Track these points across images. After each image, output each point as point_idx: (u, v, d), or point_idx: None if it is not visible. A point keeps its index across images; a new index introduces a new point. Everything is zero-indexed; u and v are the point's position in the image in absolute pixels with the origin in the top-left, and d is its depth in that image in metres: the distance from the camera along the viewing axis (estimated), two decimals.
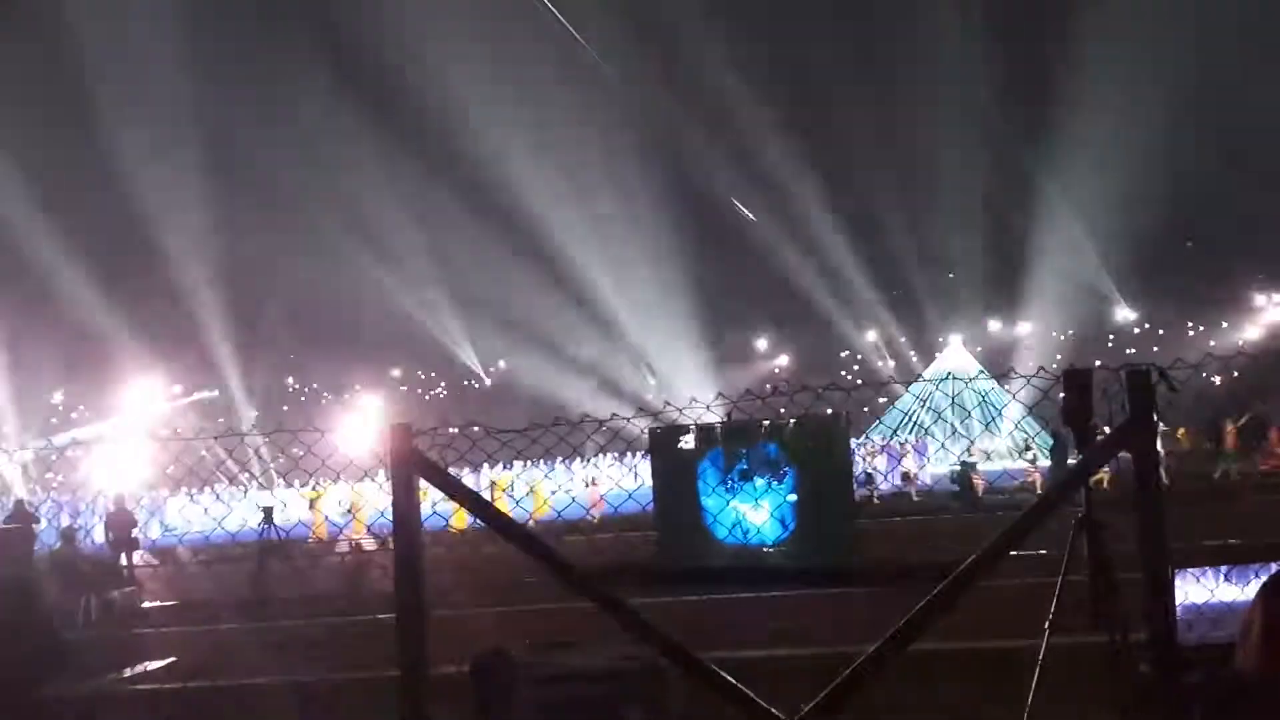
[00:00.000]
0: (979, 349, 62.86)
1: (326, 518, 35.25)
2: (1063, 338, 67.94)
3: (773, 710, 3.13)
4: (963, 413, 54.31)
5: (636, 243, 59.68)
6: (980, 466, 31.26)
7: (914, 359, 68.36)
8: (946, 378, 48.41)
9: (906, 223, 62.77)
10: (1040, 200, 60.18)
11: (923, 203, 62.91)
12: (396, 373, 70.37)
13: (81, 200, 53.85)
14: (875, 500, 30.26)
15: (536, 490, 36.78)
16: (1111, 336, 68.68)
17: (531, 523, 31.00)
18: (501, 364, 71.23)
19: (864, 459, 36.68)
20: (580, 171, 58.57)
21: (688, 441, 18.14)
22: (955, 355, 60.15)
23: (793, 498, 16.98)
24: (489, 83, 56.08)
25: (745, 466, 17.33)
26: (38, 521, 24.16)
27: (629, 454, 48.22)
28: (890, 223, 62.23)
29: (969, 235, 62.27)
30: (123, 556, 22.30)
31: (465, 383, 71.78)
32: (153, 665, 13.23)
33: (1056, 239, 59.26)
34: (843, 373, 67.68)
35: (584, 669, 6.28)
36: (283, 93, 55.27)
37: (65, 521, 31.48)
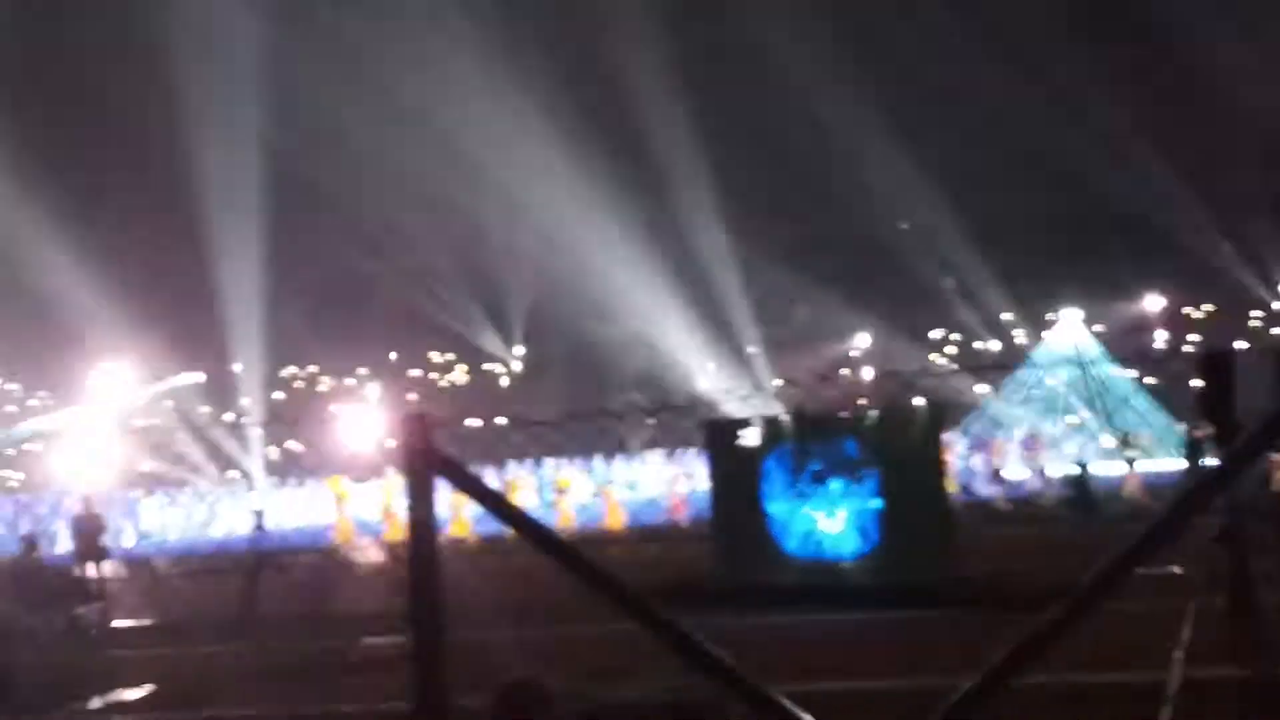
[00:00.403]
0: (1098, 326, 62.13)
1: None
2: (1196, 314, 67.03)
3: None
4: (1083, 402, 53.87)
5: (685, 200, 59.62)
6: (1093, 468, 31.08)
7: (1020, 338, 67.68)
8: (1076, 361, 47.92)
9: (1012, 174, 61.96)
10: (1175, 151, 59.23)
11: (1031, 148, 61.96)
12: (396, 356, 70.63)
13: (41, 157, 54.40)
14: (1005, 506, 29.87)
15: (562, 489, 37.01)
16: (1260, 314, 67.56)
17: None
18: (519, 350, 71.53)
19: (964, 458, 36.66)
20: (628, 126, 58.55)
21: (750, 437, 18.12)
22: (1071, 333, 59.57)
23: (876, 504, 16.90)
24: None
25: (819, 467, 17.26)
26: None
27: (680, 449, 48.32)
28: (991, 174, 61.40)
29: (1086, 189, 61.43)
30: (91, 567, 22.57)
31: (487, 367, 72.11)
32: (127, 694, 13.42)
33: (1195, 198, 58.40)
34: (933, 356, 67.29)
35: (630, 703, 6.32)
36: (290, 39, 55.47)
37: (25, 527, 31.98)
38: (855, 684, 10.22)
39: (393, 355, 69.73)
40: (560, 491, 37.51)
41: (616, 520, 33.02)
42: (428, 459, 3.76)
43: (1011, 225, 62.76)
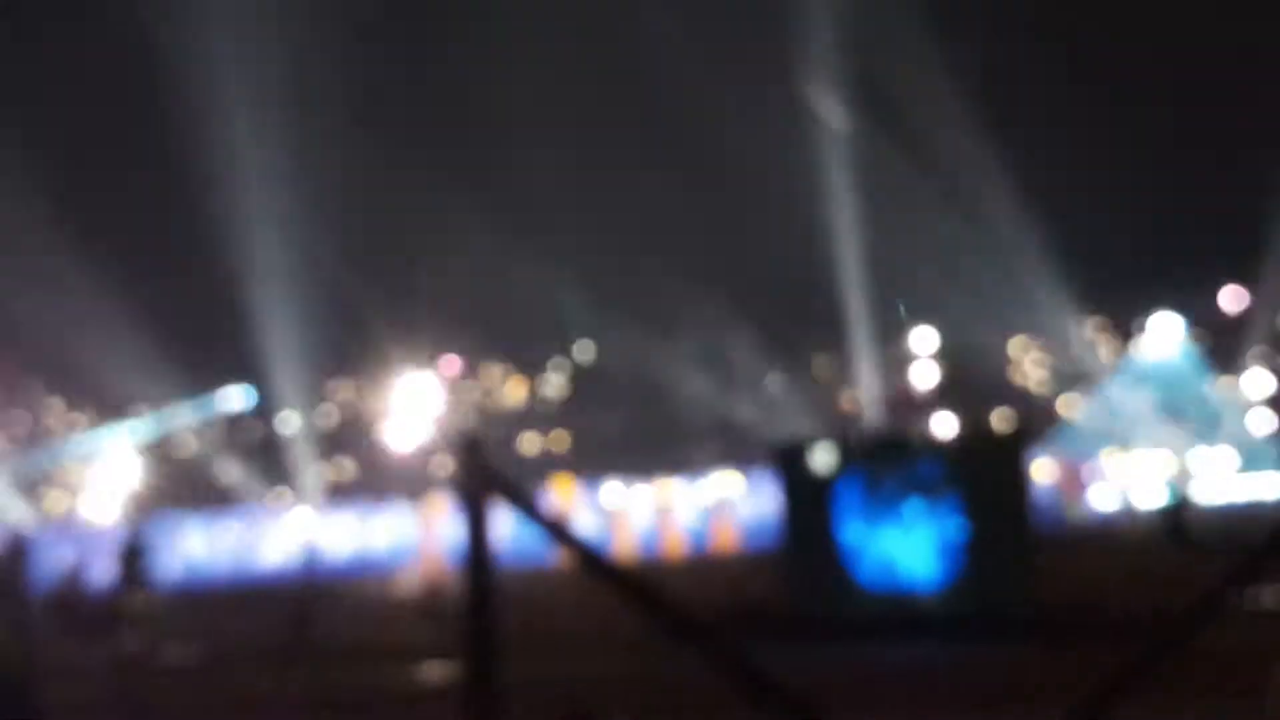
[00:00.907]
0: (1198, 331, 60.90)
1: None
2: None
3: None
4: (1176, 417, 52.95)
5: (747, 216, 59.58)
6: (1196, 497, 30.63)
7: (1106, 348, 66.74)
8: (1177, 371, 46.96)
9: (1104, 155, 60.88)
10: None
11: (1128, 129, 60.98)
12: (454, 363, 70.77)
13: (76, 164, 55.33)
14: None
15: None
16: None
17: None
18: (589, 350, 71.42)
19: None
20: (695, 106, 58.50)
21: (823, 460, 18.04)
22: (1164, 340, 58.37)
23: (956, 531, 16.75)
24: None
25: (895, 491, 17.15)
26: (26, 553, 24.77)
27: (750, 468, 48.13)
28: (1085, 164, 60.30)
29: (1182, 177, 60.31)
30: (135, 594, 22.79)
31: (541, 376, 72.13)
32: None
33: None
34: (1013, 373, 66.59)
35: None
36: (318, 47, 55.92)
37: (68, 554, 32.34)
38: None
39: (453, 367, 69.82)
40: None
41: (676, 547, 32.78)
42: (483, 482, 3.78)
43: (1099, 224, 61.87)
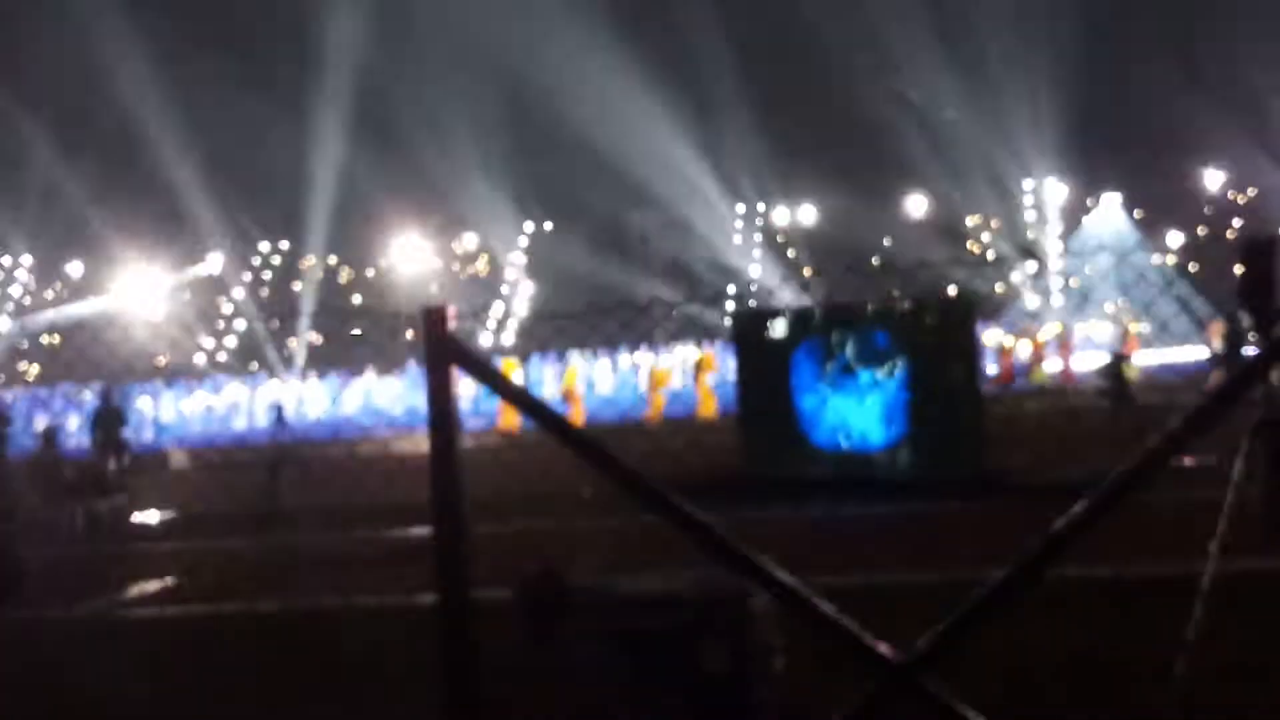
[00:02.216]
0: (1139, 211, 61.33)
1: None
2: (1243, 198, 66.12)
3: (879, 647, 3.17)
4: (1118, 291, 53.52)
5: (707, 77, 58.91)
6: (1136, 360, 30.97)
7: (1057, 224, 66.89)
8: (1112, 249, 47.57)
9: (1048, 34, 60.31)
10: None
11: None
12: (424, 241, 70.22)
13: (54, 43, 54.17)
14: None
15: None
16: None
17: None
18: (546, 226, 70.88)
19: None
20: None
21: (779, 329, 18.13)
22: (1109, 218, 58.93)
23: (905, 395, 16.89)
24: None
25: (849, 358, 17.26)
26: (9, 421, 24.82)
27: (706, 343, 48.35)
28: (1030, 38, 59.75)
29: (1127, 55, 59.85)
30: (112, 460, 22.85)
31: (502, 254, 71.76)
32: (150, 586, 13.64)
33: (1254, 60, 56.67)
34: (968, 245, 66.63)
35: (652, 595, 6.36)
36: None
37: (43, 421, 32.31)
38: (882, 577, 10.30)
39: (422, 243, 69.19)
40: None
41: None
42: (447, 352, 3.77)
43: (1051, 104, 61.57)
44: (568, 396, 34.01)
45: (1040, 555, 3.17)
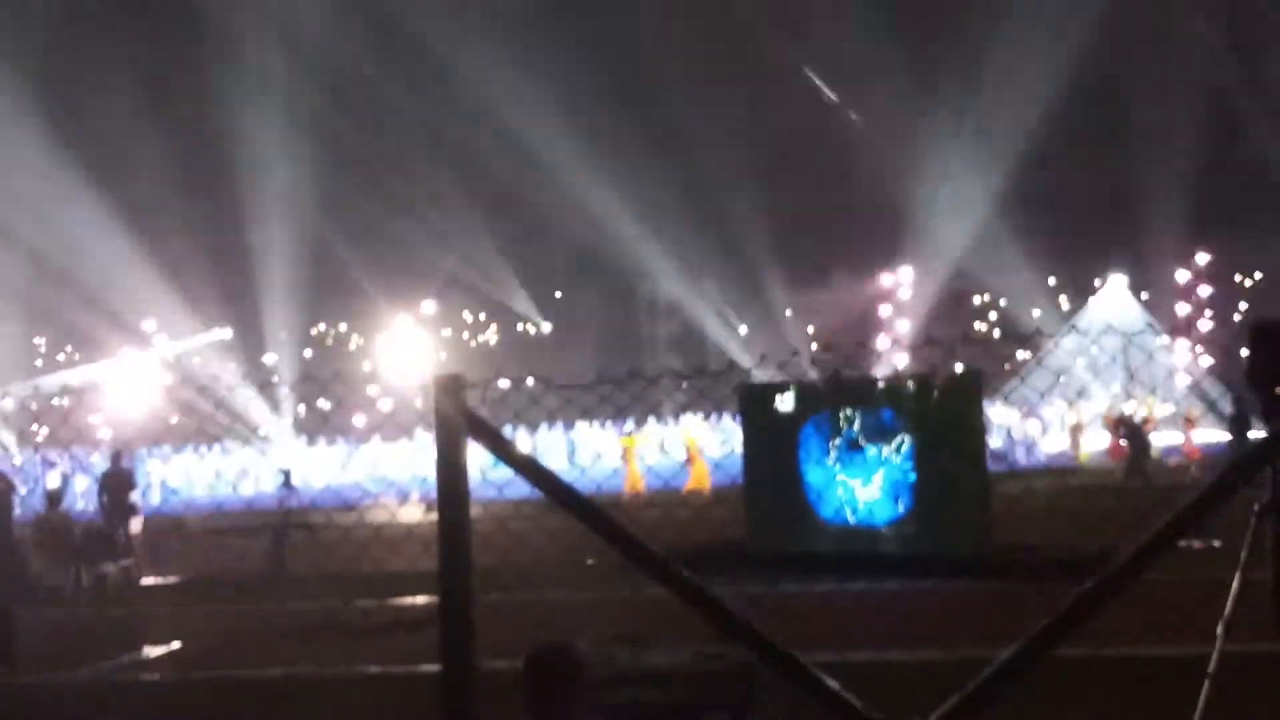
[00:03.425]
0: (1146, 293, 61.51)
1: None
2: (1249, 282, 66.23)
3: None
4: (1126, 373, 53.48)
5: (720, 158, 59.32)
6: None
7: (1064, 303, 67.05)
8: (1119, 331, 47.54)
9: (1059, 128, 60.84)
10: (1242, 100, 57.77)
11: (1077, 98, 60.75)
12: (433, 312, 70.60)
13: (74, 106, 54.65)
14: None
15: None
16: None
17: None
18: (558, 294, 71.30)
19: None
20: (656, 71, 58.30)
21: (786, 401, 18.11)
22: (1116, 300, 59.06)
23: (911, 473, 16.83)
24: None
25: (856, 434, 17.23)
26: (12, 489, 24.64)
27: (716, 415, 48.42)
28: (1037, 127, 60.26)
29: (1136, 149, 60.41)
30: (119, 523, 22.79)
31: (520, 327, 72.13)
32: (153, 651, 13.57)
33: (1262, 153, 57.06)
34: (976, 323, 66.76)
35: (659, 668, 6.33)
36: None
37: (53, 482, 32.25)
38: (888, 655, 10.23)
39: (429, 309, 69.52)
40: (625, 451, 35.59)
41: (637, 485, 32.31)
42: (457, 420, 3.78)
43: (1059, 187, 62.04)
44: (689, 457, 33.58)
45: (1046, 635, 3.15)
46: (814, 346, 62.89)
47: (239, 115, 54.58)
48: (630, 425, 42.97)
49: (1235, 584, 5.94)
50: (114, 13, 57.78)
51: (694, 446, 34.21)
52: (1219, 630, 5.91)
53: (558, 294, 71.45)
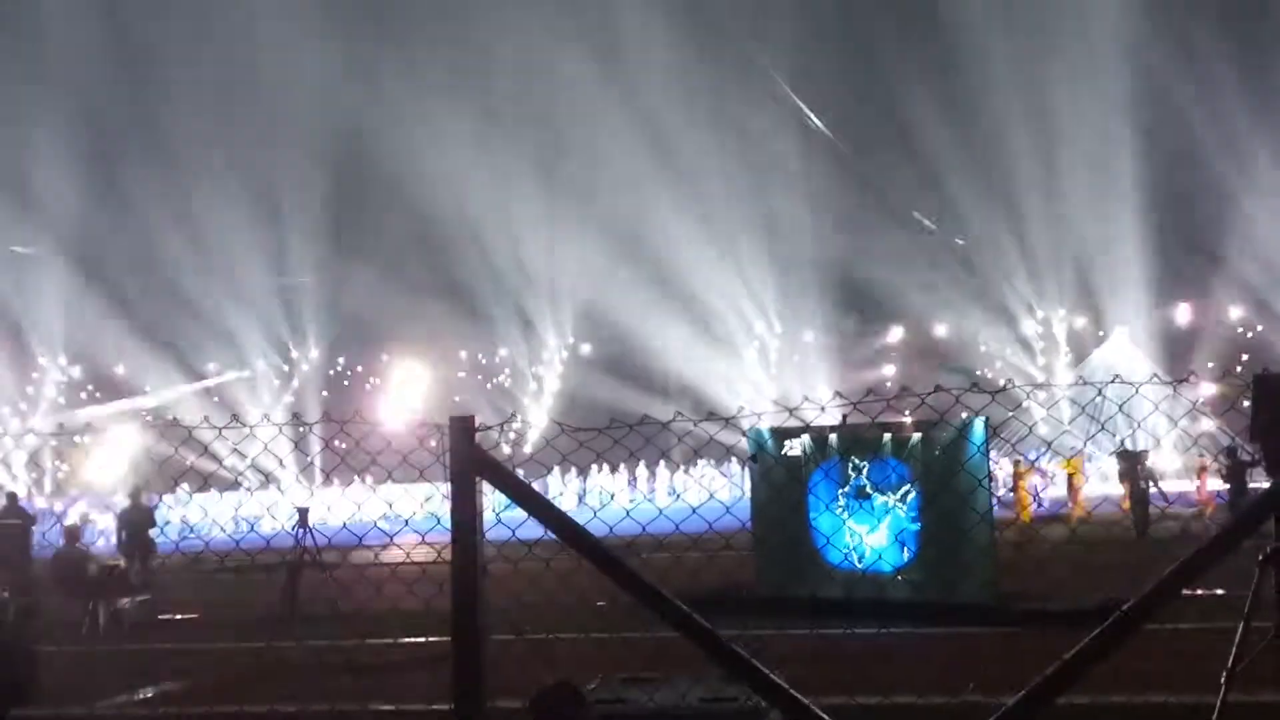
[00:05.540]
0: (1150, 343, 61.32)
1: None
2: (1250, 334, 66.02)
3: None
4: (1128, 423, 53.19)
5: (739, 215, 59.59)
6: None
7: (1067, 354, 66.94)
8: (1113, 379, 47.41)
9: (1061, 184, 60.89)
10: (1237, 154, 57.83)
11: (1080, 159, 60.84)
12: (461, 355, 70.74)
13: (92, 150, 55.05)
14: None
15: None
16: None
17: None
18: (572, 342, 71.40)
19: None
20: (676, 119, 58.56)
21: (795, 447, 18.06)
22: (1118, 351, 58.94)
23: (917, 523, 16.77)
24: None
25: (864, 482, 17.20)
26: (32, 523, 24.60)
27: (728, 461, 48.32)
28: (1040, 184, 60.33)
29: (1139, 200, 60.41)
30: (137, 560, 22.78)
31: (534, 369, 72.13)
32: (169, 686, 13.52)
33: (1256, 207, 57.15)
34: (983, 371, 66.57)
35: (667, 709, 6.30)
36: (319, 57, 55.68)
37: (72, 519, 32.28)
38: (897, 699, 10.15)
39: (461, 354, 69.64)
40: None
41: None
42: (472, 462, 3.78)
43: (1068, 236, 62.08)
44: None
45: (1051, 682, 3.13)
46: (822, 392, 62.87)
47: (267, 154, 54.91)
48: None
49: (1240, 633, 5.89)
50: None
51: None
52: (1223, 679, 5.85)
53: (571, 339, 71.53)
